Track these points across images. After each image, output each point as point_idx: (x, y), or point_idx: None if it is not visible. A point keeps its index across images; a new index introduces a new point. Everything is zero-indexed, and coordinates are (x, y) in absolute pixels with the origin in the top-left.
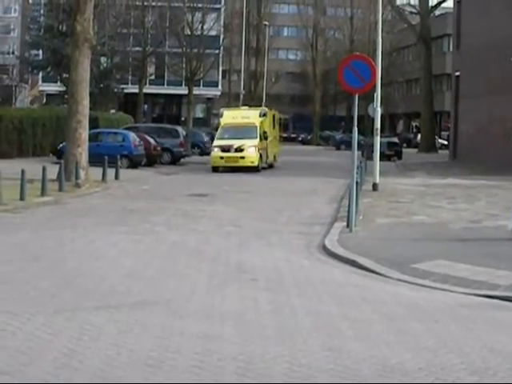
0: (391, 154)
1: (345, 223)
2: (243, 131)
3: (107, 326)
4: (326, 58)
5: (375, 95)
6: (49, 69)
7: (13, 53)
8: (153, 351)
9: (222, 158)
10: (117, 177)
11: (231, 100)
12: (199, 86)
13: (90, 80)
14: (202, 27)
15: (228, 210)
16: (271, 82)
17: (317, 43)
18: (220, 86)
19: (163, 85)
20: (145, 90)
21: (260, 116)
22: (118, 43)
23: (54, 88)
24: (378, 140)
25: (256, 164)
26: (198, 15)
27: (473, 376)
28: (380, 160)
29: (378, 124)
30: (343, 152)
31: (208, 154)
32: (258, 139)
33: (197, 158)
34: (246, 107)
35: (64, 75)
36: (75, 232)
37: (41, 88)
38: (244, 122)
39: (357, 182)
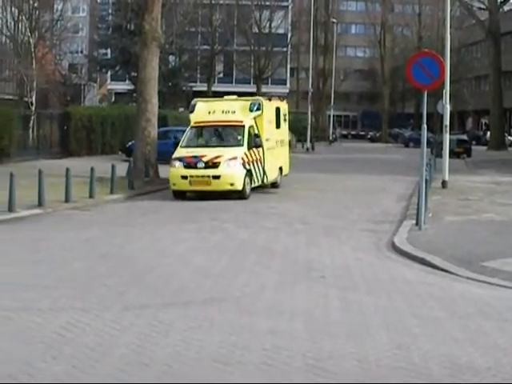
0: (460, 151)
1: (414, 221)
2: (223, 134)
3: (176, 322)
4: (394, 54)
5: (444, 92)
6: (117, 67)
7: (81, 52)
8: (221, 348)
9: (185, 177)
10: None
11: (299, 98)
12: (267, 84)
13: (158, 78)
14: (270, 25)
15: (297, 208)
16: (339, 79)
17: (385, 40)
18: (288, 84)
19: (231, 83)
20: (213, 88)
21: (251, 110)
22: (186, 42)
23: (122, 86)
24: (447, 137)
25: (240, 187)
26: (266, 13)
27: None
28: (449, 157)
29: (447, 121)
30: (412, 149)
31: None
32: (246, 146)
33: None
34: (234, 96)
35: (132, 74)
36: (144, 229)
37: (109, 87)
38: (225, 120)
39: (426, 180)
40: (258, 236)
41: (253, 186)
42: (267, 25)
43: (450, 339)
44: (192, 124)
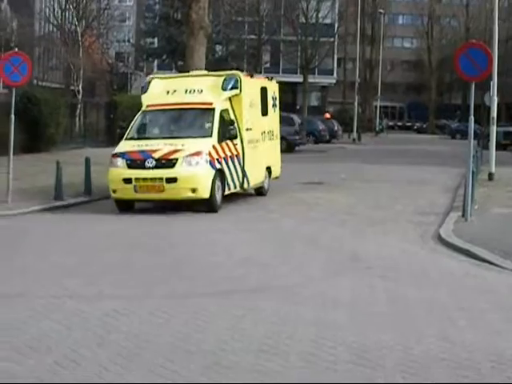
0: (507, 143)
1: (460, 213)
2: (185, 121)
3: (221, 311)
4: (441, 45)
5: (491, 84)
6: (164, 57)
7: (128, 41)
8: (266, 337)
9: (129, 180)
10: None
11: (346, 88)
12: (314, 74)
13: (205, 68)
14: (317, 15)
15: (343, 198)
16: (386, 70)
17: (432, 31)
18: (335, 74)
19: (278, 73)
20: None
21: (225, 89)
22: (233, 31)
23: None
24: (494, 129)
25: (206, 194)
26: (313, 3)
27: None
28: (496, 149)
29: (494, 113)
30: (458, 141)
31: (324, 141)
32: (216, 137)
33: (312, 146)
34: (202, 72)
35: (179, 63)
36: (188, 219)
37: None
38: (189, 103)
39: (473, 172)
40: (304, 225)
41: (228, 192)
42: (314, 15)
43: (495, 332)
44: (144, 108)
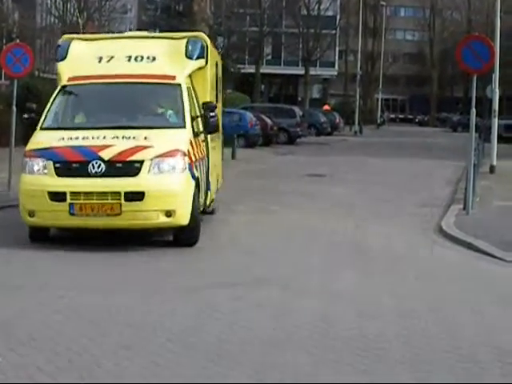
0: (509, 136)
1: (461, 205)
2: (136, 103)
3: (223, 303)
4: (443, 38)
5: (493, 76)
6: None
7: None
8: (268, 329)
9: (60, 196)
10: (233, 156)
11: (348, 81)
12: (316, 66)
13: None
14: (319, 7)
15: (345, 191)
16: (388, 62)
17: (434, 23)
18: (336, 67)
19: (280, 65)
20: (262, 70)
21: (190, 56)
22: (235, 23)
23: None
24: (495, 122)
25: (185, 220)
26: None
27: None
28: (497, 142)
29: (495, 106)
30: (460, 134)
31: (325, 133)
32: (191, 129)
33: (313, 138)
34: (145, 33)
35: None
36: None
37: None
38: (139, 75)
39: (474, 165)
40: (306, 217)
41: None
42: (316, 7)
43: (497, 325)
44: (64, 82)
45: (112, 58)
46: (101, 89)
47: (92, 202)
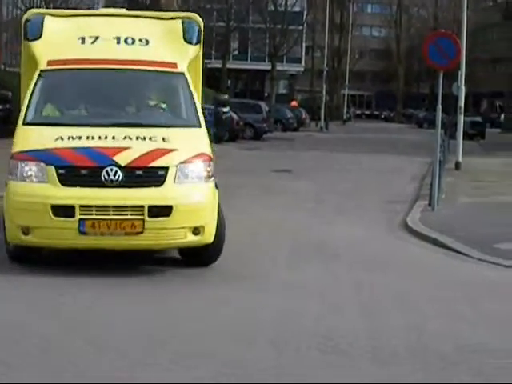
0: (474, 133)
1: (427, 202)
2: (134, 95)
3: (195, 299)
4: (410, 35)
5: (459, 73)
6: None
7: None
8: (233, 325)
9: (67, 211)
10: None
11: (314, 76)
12: (282, 62)
13: None
14: (286, 3)
15: (310, 186)
16: (354, 58)
17: (401, 20)
18: (303, 63)
19: (246, 60)
20: (228, 66)
21: (189, 40)
22: (202, 18)
23: None
24: (461, 119)
25: (211, 237)
26: None
27: None
28: (463, 139)
29: (461, 102)
30: (426, 130)
31: (292, 129)
32: (205, 129)
33: (279, 133)
34: (136, 12)
35: None
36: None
37: None
38: (133, 61)
39: (440, 161)
40: (271, 213)
41: None
42: (283, 2)
43: (461, 320)
44: (42, 66)
45: (97, 38)
46: (91, 76)
47: (108, 218)
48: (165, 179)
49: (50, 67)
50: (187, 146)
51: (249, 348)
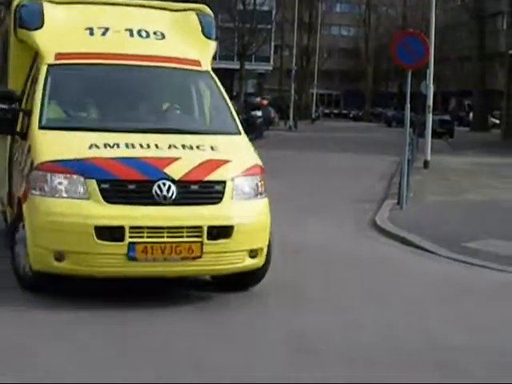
0: (443, 131)
1: (395, 200)
2: (165, 99)
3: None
4: (379, 34)
5: (428, 72)
6: None
7: None
8: (193, 323)
9: (114, 233)
10: None
11: (283, 75)
12: (251, 61)
13: None
14: (255, 2)
15: (279, 185)
16: (323, 57)
17: (369, 19)
18: (272, 62)
19: (215, 59)
20: None
21: (208, 35)
22: None
23: None
24: (430, 117)
25: (263, 259)
26: None
27: None
28: (431, 138)
29: (430, 101)
30: (394, 129)
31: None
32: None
33: None
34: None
35: None
36: None
37: None
38: (157, 57)
39: (408, 160)
40: None
41: None
42: (252, 1)
43: (430, 318)
44: (49, 60)
45: (107, 30)
46: (108, 73)
47: (162, 241)
48: (223, 195)
49: (58, 61)
50: (239, 157)
51: (222, 347)
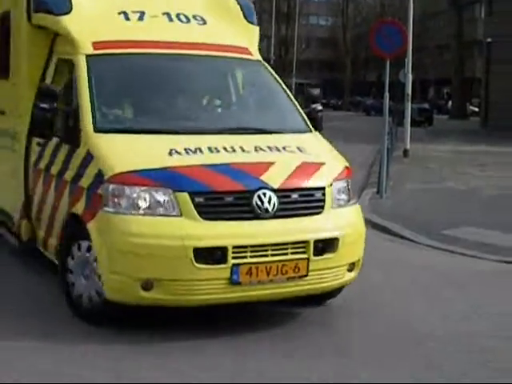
0: (422, 120)
1: (375, 189)
2: (224, 93)
3: None
4: (357, 23)
5: (406, 61)
6: None
7: None
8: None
9: (212, 255)
10: None
11: None
12: None
13: None
14: None
15: None
16: (301, 47)
17: (347, 8)
18: None
19: None
20: None
21: (251, 20)
22: None
23: None
24: (409, 106)
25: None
26: None
27: (506, 343)
28: (411, 126)
29: (409, 90)
30: (373, 118)
31: None
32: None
33: None
34: None
35: None
36: None
37: None
38: (205, 45)
39: (387, 148)
40: None
41: None
42: None
43: (410, 306)
44: (87, 50)
45: (143, 14)
46: (156, 64)
47: (267, 260)
48: (324, 203)
49: (97, 51)
50: (329, 159)
51: (184, 330)
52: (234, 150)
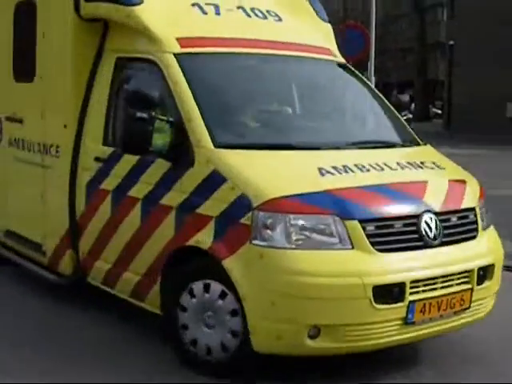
0: None
1: None
2: (327, 98)
3: None
4: None
5: (369, 64)
6: None
7: None
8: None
9: (390, 293)
10: None
11: None
12: None
13: None
14: None
15: None
16: None
17: None
18: None
19: None
20: None
21: (324, 18)
22: None
23: None
24: None
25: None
26: None
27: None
28: None
29: None
30: None
31: None
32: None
33: None
34: None
35: None
36: None
37: None
38: (292, 45)
39: None
40: None
41: None
42: None
43: None
44: (173, 48)
45: (218, 7)
46: (254, 66)
47: (436, 294)
48: (477, 225)
49: (187, 50)
50: (465, 175)
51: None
52: (382, 168)
